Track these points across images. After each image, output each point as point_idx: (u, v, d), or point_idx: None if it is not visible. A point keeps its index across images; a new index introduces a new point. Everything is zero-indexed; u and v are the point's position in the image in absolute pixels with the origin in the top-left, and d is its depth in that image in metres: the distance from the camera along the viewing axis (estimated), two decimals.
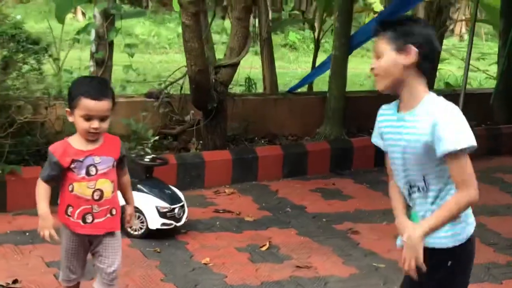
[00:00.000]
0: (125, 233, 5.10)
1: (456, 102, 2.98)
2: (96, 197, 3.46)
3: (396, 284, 4.68)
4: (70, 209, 3.48)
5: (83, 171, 3.43)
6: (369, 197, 6.72)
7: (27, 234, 5.19)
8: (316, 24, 11.14)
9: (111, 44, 6.34)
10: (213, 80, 6.74)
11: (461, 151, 2.69)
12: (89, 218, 3.49)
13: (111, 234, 3.62)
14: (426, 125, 2.73)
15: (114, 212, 3.57)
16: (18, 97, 5.64)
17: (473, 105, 8.65)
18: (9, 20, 5.40)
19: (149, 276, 4.63)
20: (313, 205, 6.37)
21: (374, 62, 2.84)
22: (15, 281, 4.39)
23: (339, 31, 7.63)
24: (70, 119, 3.45)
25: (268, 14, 9.25)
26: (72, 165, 3.42)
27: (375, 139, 3.09)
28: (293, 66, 18.08)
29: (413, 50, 2.76)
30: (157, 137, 6.53)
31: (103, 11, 6.19)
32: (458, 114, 2.73)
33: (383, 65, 2.81)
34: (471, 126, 2.74)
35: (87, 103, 3.33)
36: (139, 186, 5.29)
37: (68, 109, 3.44)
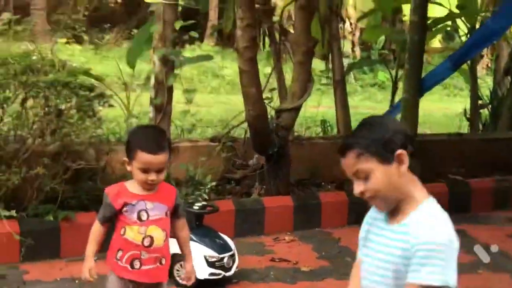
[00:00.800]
0: (174, 282, 5.02)
1: None
2: (146, 244, 3.46)
3: None
4: (119, 253, 3.50)
5: (135, 215, 3.45)
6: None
7: (77, 282, 5.17)
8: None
9: (170, 89, 6.33)
10: (274, 125, 6.62)
11: None
12: (137, 264, 3.48)
13: (157, 285, 3.60)
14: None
15: (163, 261, 3.55)
16: (74, 144, 5.66)
17: None
18: (64, 68, 5.45)
19: None
20: None
21: (360, 185, 2.41)
22: None
23: (409, 73, 7.38)
24: (128, 168, 3.48)
25: (341, 56, 9.08)
26: (124, 208, 3.46)
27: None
28: (381, 106, 17.86)
29: (403, 154, 2.36)
30: (214, 183, 6.42)
31: (162, 57, 6.19)
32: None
33: (376, 185, 2.40)
34: None
35: (145, 157, 3.37)
36: None
37: (126, 159, 3.47)
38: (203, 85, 17.01)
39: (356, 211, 6.89)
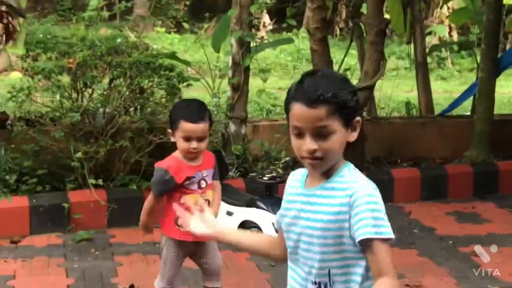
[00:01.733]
0: None
1: None
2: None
3: None
4: (180, 220, 3.62)
5: (196, 185, 3.76)
6: (508, 222, 6.50)
7: (157, 245, 5.62)
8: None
9: (246, 69, 6.70)
10: None
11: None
12: None
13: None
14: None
15: None
16: (157, 121, 6.12)
17: None
18: (147, 50, 5.92)
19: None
20: (443, 228, 6.29)
21: (313, 142, 2.20)
22: (131, 286, 4.81)
23: (485, 53, 7.49)
24: (172, 139, 3.76)
25: (423, 38, 9.20)
26: (187, 182, 3.74)
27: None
28: None
29: (359, 122, 2.30)
30: (288, 158, 6.75)
31: (239, 39, 6.58)
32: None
33: (333, 146, 2.24)
34: None
35: (186, 126, 3.64)
36: (258, 202, 5.58)
37: (169, 130, 3.77)
38: (298, 71, 17.30)
39: (429, 187, 7.11)
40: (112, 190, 6.03)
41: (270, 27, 19.05)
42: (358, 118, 2.29)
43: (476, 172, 7.30)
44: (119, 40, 5.95)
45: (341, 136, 2.25)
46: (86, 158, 5.80)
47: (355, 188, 2.28)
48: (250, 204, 5.59)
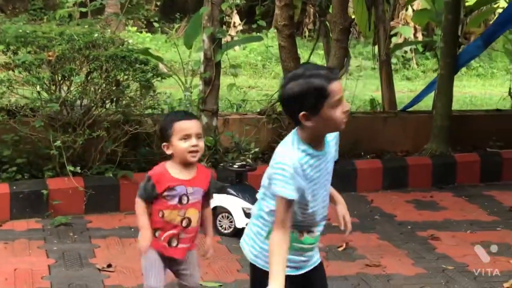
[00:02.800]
0: (216, 231, 5.75)
1: None
2: (184, 224, 3.67)
3: (459, 284, 4.98)
4: (158, 232, 3.69)
5: (176, 200, 3.63)
6: (463, 209, 6.91)
7: (132, 229, 5.93)
8: None
9: (217, 65, 7.03)
10: None
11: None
12: (174, 242, 3.70)
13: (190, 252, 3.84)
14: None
15: (196, 240, 3.82)
16: (133, 114, 6.43)
17: None
18: (123, 45, 6.23)
19: (227, 267, 5.17)
20: (403, 214, 6.67)
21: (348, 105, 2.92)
22: (109, 265, 5.10)
23: (444, 52, 7.90)
24: (168, 151, 3.63)
25: (387, 37, 9.59)
26: (166, 193, 3.62)
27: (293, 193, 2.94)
28: None
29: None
30: (257, 149, 7.09)
31: (210, 35, 6.90)
32: None
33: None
34: None
35: (182, 124, 3.58)
36: (228, 189, 5.90)
37: (165, 144, 3.64)
38: (267, 71, 17.67)
39: (390, 178, 7.50)
40: (89, 178, 6.31)
41: (240, 27, 19.39)
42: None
43: (434, 164, 7.71)
44: (96, 34, 6.24)
45: None
46: (64, 147, 6.08)
47: None
48: (221, 191, 5.90)
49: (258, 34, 18.61)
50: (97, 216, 6.22)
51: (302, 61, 7.21)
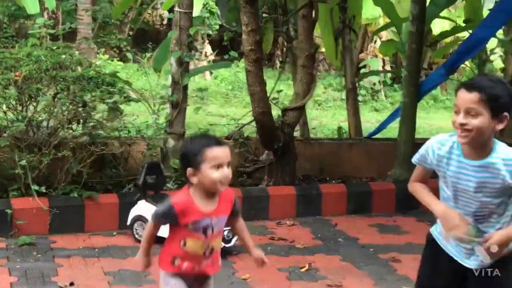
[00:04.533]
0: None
1: None
2: (207, 254, 3.46)
3: None
4: (177, 261, 3.47)
5: (200, 231, 3.40)
6: (425, 233, 6.95)
7: (96, 250, 5.95)
8: None
9: (185, 88, 7.12)
10: (280, 122, 7.36)
11: None
12: (196, 269, 3.49)
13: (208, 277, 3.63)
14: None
15: (219, 262, 3.60)
16: (100, 136, 6.49)
17: None
18: (90, 66, 6.30)
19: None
20: (366, 238, 6.75)
21: (467, 118, 3.08)
22: (71, 284, 5.11)
23: (408, 80, 8.06)
24: (195, 179, 3.34)
25: (353, 66, 9.77)
26: (190, 226, 3.39)
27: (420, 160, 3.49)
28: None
29: (506, 118, 3.10)
30: None
31: (178, 59, 7.00)
32: None
33: (478, 125, 3.09)
34: None
35: (216, 152, 3.30)
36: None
37: (190, 169, 3.33)
38: (238, 100, 17.80)
39: (354, 202, 7.60)
40: (54, 198, 6.33)
41: (212, 57, 19.54)
42: (505, 113, 3.11)
43: (398, 189, 7.81)
44: (64, 56, 6.30)
45: (486, 121, 3.10)
46: (30, 167, 6.10)
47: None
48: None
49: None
50: (62, 236, 6.22)
51: (268, 86, 7.28)
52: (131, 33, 23.34)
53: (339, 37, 9.53)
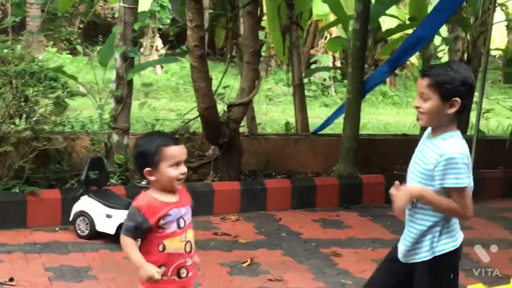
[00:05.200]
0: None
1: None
2: (187, 249, 3.41)
3: None
4: (162, 269, 3.36)
5: (174, 225, 3.35)
6: (366, 228, 7.14)
7: (38, 245, 5.92)
8: None
9: (129, 83, 7.12)
10: (226, 118, 7.41)
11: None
12: (183, 272, 3.41)
13: None
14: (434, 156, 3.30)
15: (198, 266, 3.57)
16: (43, 131, 6.45)
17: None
18: (33, 61, 6.26)
19: (130, 282, 5.22)
20: (309, 232, 6.85)
21: (420, 102, 3.32)
22: (11, 279, 5.09)
23: (352, 77, 8.17)
24: (152, 178, 3.35)
25: (300, 62, 9.86)
26: (162, 221, 3.33)
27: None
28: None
29: (458, 103, 3.26)
30: None
31: (123, 54, 6.99)
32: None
33: (429, 108, 3.30)
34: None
35: (173, 150, 3.33)
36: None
37: (148, 169, 3.34)
38: (188, 94, 17.77)
39: (299, 197, 7.68)
40: None
41: (163, 51, 19.48)
42: (456, 99, 3.25)
43: (341, 185, 7.94)
44: (5, 50, 6.25)
45: (436, 104, 3.28)
46: None
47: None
48: (128, 207, 5.96)
49: (182, 59, 18.93)
50: (3, 232, 6.17)
51: (214, 81, 7.33)
52: (81, 26, 23.13)
53: (286, 33, 9.61)
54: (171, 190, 3.38)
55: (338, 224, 7.21)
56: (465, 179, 3.28)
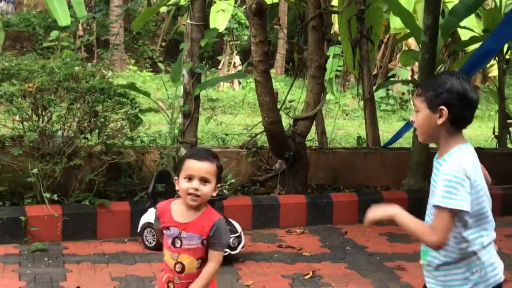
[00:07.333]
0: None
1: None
2: (177, 269, 3.44)
3: None
4: (162, 272, 3.54)
5: (170, 241, 3.44)
6: None
7: (106, 256, 6.12)
8: None
9: (196, 98, 7.28)
10: (291, 132, 7.48)
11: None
12: (170, 287, 3.48)
13: None
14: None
15: None
16: (114, 145, 6.68)
17: None
18: (103, 78, 6.50)
19: None
20: (374, 246, 6.82)
21: (414, 116, 3.14)
22: None
23: None
24: (177, 187, 3.45)
25: (370, 76, 9.84)
26: (164, 231, 3.46)
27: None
28: None
29: (445, 111, 3.01)
30: (233, 180, 7.29)
31: (190, 70, 7.16)
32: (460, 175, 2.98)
33: (418, 121, 3.12)
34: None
35: (189, 163, 3.38)
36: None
37: (176, 178, 3.46)
38: None
39: (365, 210, 7.60)
40: (67, 205, 6.52)
41: (240, 68, 19.74)
42: (442, 107, 3.03)
43: (410, 198, 7.85)
44: (76, 68, 6.51)
45: (425, 115, 3.09)
46: (43, 175, 6.30)
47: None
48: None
49: None
50: (74, 243, 6.40)
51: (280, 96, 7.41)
52: (163, 44, 23.69)
53: (356, 47, 9.62)
54: (189, 206, 3.40)
55: (405, 238, 7.12)
56: (451, 200, 3.00)
